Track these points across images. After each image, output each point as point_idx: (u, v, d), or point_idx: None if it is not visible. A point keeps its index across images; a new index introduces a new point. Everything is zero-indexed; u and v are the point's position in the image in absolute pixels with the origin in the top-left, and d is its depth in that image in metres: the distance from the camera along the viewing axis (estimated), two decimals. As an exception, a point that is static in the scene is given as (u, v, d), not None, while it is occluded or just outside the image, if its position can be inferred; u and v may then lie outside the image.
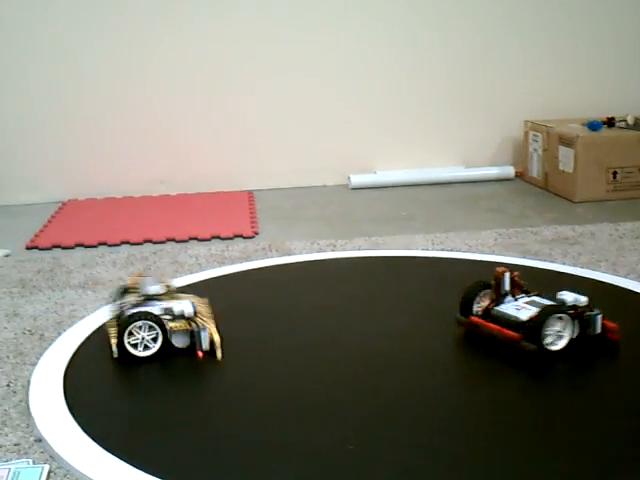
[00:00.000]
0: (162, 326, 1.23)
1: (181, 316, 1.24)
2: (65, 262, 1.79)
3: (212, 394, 1.14)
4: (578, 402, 1.08)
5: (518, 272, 1.32)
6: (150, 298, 1.29)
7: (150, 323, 1.23)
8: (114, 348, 1.23)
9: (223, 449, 0.98)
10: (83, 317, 1.44)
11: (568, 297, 1.24)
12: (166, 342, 1.24)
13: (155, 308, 1.26)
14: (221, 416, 1.07)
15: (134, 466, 0.94)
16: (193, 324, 1.24)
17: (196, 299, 1.31)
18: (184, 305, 1.26)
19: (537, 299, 1.28)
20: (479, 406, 1.08)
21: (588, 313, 1.23)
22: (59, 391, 1.14)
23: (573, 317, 1.22)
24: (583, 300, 1.24)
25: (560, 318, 1.21)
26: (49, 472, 0.96)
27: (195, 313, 1.25)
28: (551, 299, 1.27)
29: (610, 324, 1.24)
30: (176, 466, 0.94)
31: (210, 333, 1.23)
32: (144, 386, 1.18)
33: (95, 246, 1.93)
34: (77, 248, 1.92)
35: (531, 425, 1.02)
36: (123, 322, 1.23)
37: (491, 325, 1.26)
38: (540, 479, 0.90)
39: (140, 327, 1.23)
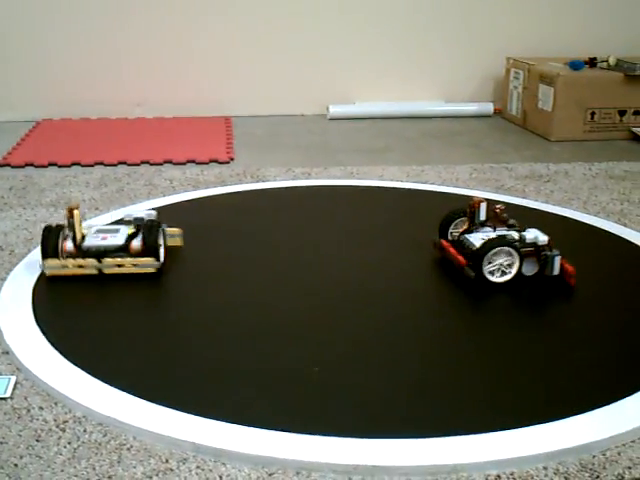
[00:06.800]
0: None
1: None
2: (38, 181, 1.78)
3: (180, 312, 1.15)
4: (531, 335, 1.10)
5: (502, 205, 1.33)
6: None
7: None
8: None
9: (186, 365, 1.00)
10: (54, 235, 1.44)
11: (529, 234, 1.24)
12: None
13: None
14: (188, 333, 1.08)
15: (99, 379, 0.96)
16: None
17: None
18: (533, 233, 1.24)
19: (513, 233, 1.27)
20: (445, 333, 1.10)
21: (546, 253, 1.23)
22: (27, 305, 1.14)
23: (529, 255, 1.23)
24: (542, 239, 1.24)
25: (508, 253, 1.22)
26: (15, 383, 0.97)
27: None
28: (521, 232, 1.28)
29: (569, 267, 1.23)
30: (141, 380, 0.96)
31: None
32: (112, 302, 1.19)
33: (68, 166, 1.91)
34: (50, 167, 1.90)
35: (492, 354, 1.04)
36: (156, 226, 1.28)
37: (451, 249, 1.28)
38: (505, 402, 0.93)
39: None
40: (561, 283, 1.23)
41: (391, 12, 2.47)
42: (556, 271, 1.23)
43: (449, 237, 1.33)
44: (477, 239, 1.27)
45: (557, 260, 1.22)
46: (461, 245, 1.28)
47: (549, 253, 1.22)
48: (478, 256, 1.21)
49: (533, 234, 1.24)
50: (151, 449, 0.85)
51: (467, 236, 1.29)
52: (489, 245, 1.22)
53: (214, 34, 2.41)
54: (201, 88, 2.45)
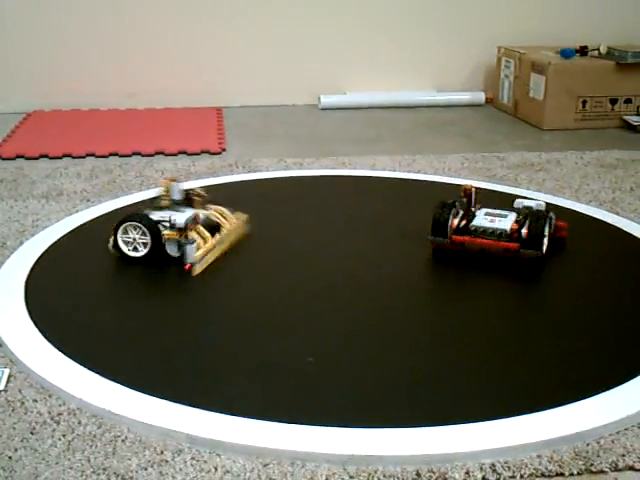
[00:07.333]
0: (155, 233, 1.24)
1: (173, 226, 1.25)
2: (29, 172, 1.77)
3: (173, 305, 1.15)
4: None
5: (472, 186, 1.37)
6: (177, 204, 1.31)
7: (143, 228, 1.24)
8: (111, 242, 1.26)
9: (180, 357, 1.00)
10: (46, 227, 1.43)
11: (531, 204, 1.34)
12: (160, 249, 1.25)
13: (162, 214, 1.27)
14: (181, 325, 1.08)
15: (93, 371, 0.95)
16: (182, 236, 1.25)
17: (225, 213, 1.33)
18: (179, 216, 1.26)
19: (494, 211, 1.34)
20: (440, 322, 1.10)
21: (549, 216, 1.31)
22: (20, 298, 1.14)
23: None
24: (542, 204, 1.34)
25: (546, 222, 1.29)
26: (9, 376, 0.97)
27: (186, 226, 1.25)
28: (506, 209, 1.34)
29: (562, 223, 1.35)
30: (136, 372, 0.96)
31: (197, 247, 1.24)
32: (105, 294, 1.19)
33: (60, 157, 1.90)
34: (41, 159, 1.90)
35: (500, 340, 1.05)
36: (122, 219, 1.25)
37: (482, 240, 1.29)
38: (499, 390, 0.93)
39: (134, 228, 1.24)
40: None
41: (382, 2, 2.46)
42: (552, 229, 1.34)
43: (449, 230, 1.31)
44: (488, 223, 1.30)
45: (553, 220, 1.34)
46: (481, 233, 1.29)
47: (550, 215, 1.33)
48: (538, 236, 1.26)
49: (534, 204, 1.34)
50: (146, 441, 0.85)
51: (478, 224, 1.31)
52: (542, 223, 1.27)
53: (205, 25, 2.40)
54: (192, 79, 2.44)
